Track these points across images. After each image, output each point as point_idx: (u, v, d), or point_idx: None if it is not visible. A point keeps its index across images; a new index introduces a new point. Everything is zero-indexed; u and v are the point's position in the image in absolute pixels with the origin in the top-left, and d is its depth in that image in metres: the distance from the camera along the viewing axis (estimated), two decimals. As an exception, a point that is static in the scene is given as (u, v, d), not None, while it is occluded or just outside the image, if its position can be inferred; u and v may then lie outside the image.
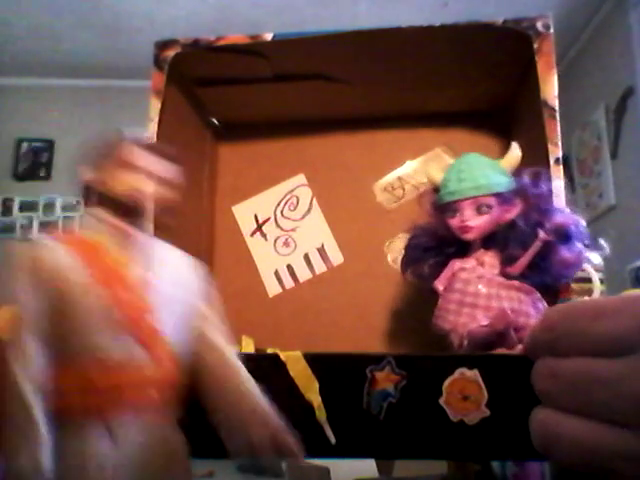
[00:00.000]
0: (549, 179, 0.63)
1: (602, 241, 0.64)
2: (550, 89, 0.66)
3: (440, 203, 0.65)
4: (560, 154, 0.65)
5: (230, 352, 0.47)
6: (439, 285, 0.64)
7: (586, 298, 0.72)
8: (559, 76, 0.67)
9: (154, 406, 0.42)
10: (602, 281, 0.77)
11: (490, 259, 0.63)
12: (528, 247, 0.61)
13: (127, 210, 0.44)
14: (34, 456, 0.36)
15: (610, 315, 0.26)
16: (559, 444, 0.27)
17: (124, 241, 0.44)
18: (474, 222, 0.62)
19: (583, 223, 0.62)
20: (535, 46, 0.67)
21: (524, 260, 0.61)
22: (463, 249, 0.65)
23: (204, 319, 0.47)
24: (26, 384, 0.37)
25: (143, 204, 0.44)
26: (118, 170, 0.44)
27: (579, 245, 0.61)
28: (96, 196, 0.44)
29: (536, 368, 0.30)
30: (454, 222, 0.63)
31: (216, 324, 0.48)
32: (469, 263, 0.63)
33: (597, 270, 0.75)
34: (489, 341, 0.58)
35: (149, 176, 0.45)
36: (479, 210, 0.62)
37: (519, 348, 0.57)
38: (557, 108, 0.66)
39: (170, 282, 0.45)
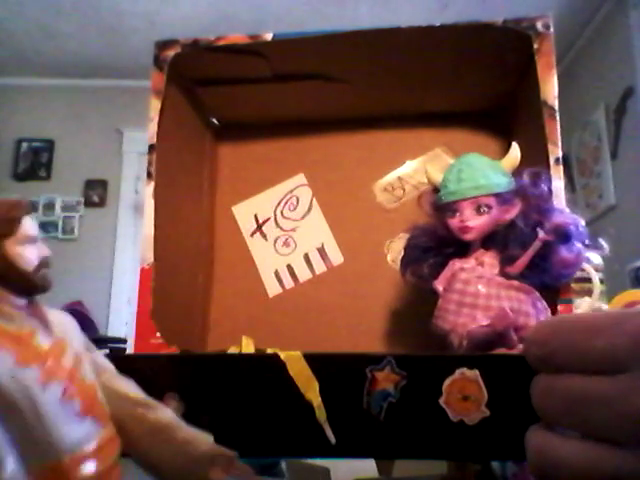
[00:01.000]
0: (549, 179, 0.63)
1: (602, 241, 0.64)
2: (550, 89, 0.66)
3: (440, 203, 0.65)
4: (560, 154, 0.65)
5: (139, 392, 0.45)
6: (438, 285, 0.64)
7: (580, 310, 0.72)
8: (559, 76, 0.67)
9: (114, 465, 0.41)
10: (602, 281, 0.77)
11: (490, 259, 0.63)
12: (528, 247, 0.61)
13: (29, 282, 0.41)
14: None
15: (604, 332, 0.25)
16: (557, 471, 0.27)
17: (29, 315, 0.41)
18: (474, 222, 0.62)
19: (583, 223, 0.62)
20: (535, 46, 0.67)
21: (524, 260, 0.61)
22: (463, 249, 0.65)
23: (102, 371, 0.45)
24: None
25: (48, 275, 0.42)
26: (19, 247, 0.41)
27: (579, 245, 0.61)
28: None
29: (533, 383, 0.30)
30: (454, 222, 0.63)
31: (110, 370, 0.46)
32: (469, 263, 0.64)
33: (597, 270, 0.75)
34: (489, 341, 0.58)
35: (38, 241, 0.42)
36: (479, 210, 0.62)
37: (519, 348, 0.57)
38: (557, 108, 0.66)
39: (74, 344, 0.44)
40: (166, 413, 0.45)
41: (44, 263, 0.42)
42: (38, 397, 0.37)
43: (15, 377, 0.36)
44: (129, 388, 0.45)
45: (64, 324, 0.44)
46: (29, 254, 0.41)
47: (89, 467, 0.39)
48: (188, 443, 0.44)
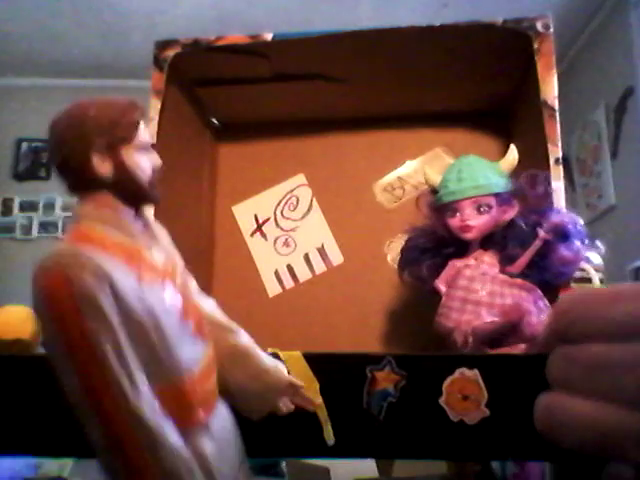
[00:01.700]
0: (547, 180, 0.63)
1: (598, 242, 0.64)
2: (550, 89, 0.66)
3: (439, 203, 0.65)
4: (560, 154, 0.65)
5: (222, 314, 0.46)
6: (440, 284, 0.64)
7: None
8: (559, 76, 0.67)
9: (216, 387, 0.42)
10: (602, 281, 0.77)
11: (489, 259, 0.63)
12: (527, 246, 0.61)
13: (144, 193, 0.39)
14: None
15: (624, 300, 0.26)
16: (566, 424, 0.27)
17: (141, 228, 0.40)
18: (475, 221, 0.62)
19: (580, 221, 0.62)
20: (535, 46, 0.67)
21: (524, 259, 0.61)
22: (461, 250, 0.65)
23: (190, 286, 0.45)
24: (154, 416, 0.34)
25: (158, 184, 0.40)
26: (137, 154, 0.38)
27: (577, 243, 0.61)
28: (104, 185, 0.37)
29: (551, 357, 0.30)
30: (454, 222, 0.63)
31: (195, 287, 0.45)
32: (471, 262, 0.64)
33: (597, 270, 0.75)
34: (495, 337, 0.58)
35: (153, 149, 0.40)
36: (479, 210, 0.62)
37: (522, 347, 0.57)
38: (557, 108, 0.66)
39: (178, 260, 0.44)
40: (245, 338, 0.45)
41: (157, 173, 0.40)
42: (161, 318, 0.36)
43: (142, 298, 0.35)
44: (213, 309, 0.45)
45: (167, 237, 0.43)
46: (145, 163, 0.39)
47: (204, 385, 0.39)
48: (265, 371, 0.45)
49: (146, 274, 0.37)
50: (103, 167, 0.37)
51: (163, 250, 0.41)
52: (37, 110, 3.17)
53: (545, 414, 0.29)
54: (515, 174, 0.64)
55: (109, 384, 0.33)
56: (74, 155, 0.36)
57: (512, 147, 0.66)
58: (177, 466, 0.34)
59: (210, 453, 0.38)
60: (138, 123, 0.38)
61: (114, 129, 0.37)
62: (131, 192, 0.38)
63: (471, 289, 0.61)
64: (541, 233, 0.60)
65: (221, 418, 0.42)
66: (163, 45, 0.74)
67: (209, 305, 0.46)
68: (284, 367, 0.46)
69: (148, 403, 0.34)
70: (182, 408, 0.37)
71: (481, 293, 0.61)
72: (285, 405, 0.46)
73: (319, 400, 0.47)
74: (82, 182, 0.37)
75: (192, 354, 0.39)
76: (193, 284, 0.45)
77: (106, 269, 0.34)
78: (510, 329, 0.57)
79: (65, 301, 0.32)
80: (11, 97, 3.17)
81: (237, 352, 0.45)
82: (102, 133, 0.37)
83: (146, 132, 0.39)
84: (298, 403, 0.46)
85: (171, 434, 0.35)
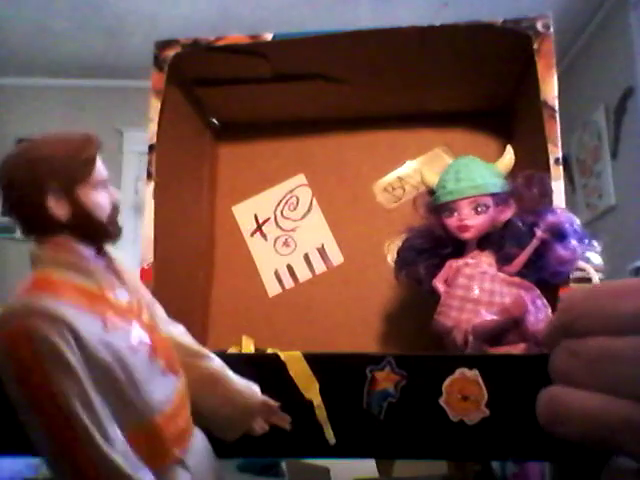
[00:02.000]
0: (544, 180, 0.63)
1: (596, 242, 0.64)
2: (550, 89, 0.66)
3: (437, 203, 0.65)
4: (560, 154, 0.65)
5: (191, 340, 0.46)
6: (438, 283, 0.64)
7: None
8: (559, 76, 0.67)
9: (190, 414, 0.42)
10: (602, 281, 0.77)
11: (486, 258, 0.64)
12: (523, 246, 0.61)
13: (105, 232, 0.38)
14: None
15: (628, 295, 0.26)
16: (568, 416, 0.28)
17: (104, 268, 0.39)
18: (472, 221, 0.62)
19: (577, 221, 0.62)
20: (535, 46, 0.67)
21: (521, 259, 0.61)
22: (458, 250, 0.65)
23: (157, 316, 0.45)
24: (119, 459, 0.33)
25: (118, 219, 0.39)
26: (94, 193, 0.37)
27: (574, 242, 0.61)
28: (62, 227, 0.36)
29: (555, 352, 0.30)
30: (452, 222, 0.63)
31: (164, 317, 0.46)
32: (470, 260, 0.64)
33: (597, 270, 0.75)
34: (495, 335, 0.58)
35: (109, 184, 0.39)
36: (477, 209, 0.62)
37: (522, 347, 0.57)
38: (557, 108, 0.66)
39: (146, 296, 0.44)
40: (216, 363, 0.45)
41: (116, 208, 0.39)
42: (129, 360, 0.36)
43: (107, 344, 0.35)
44: (182, 336, 0.46)
45: (131, 273, 0.43)
46: (103, 200, 0.38)
47: (177, 421, 0.39)
48: (236, 394, 0.45)
49: (111, 317, 0.36)
50: (59, 210, 0.36)
51: (128, 286, 0.40)
52: (37, 110, 3.18)
53: (548, 407, 0.29)
54: (513, 174, 0.64)
55: (80, 439, 0.32)
56: (28, 199, 0.35)
57: (509, 148, 0.66)
58: None
59: None
60: (94, 160, 0.37)
61: (69, 170, 0.36)
62: (90, 232, 0.37)
63: (471, 288, 0.61)
64: (538, 233, 0.60)
65: (197, 450, 0.42)
66: (163, 45, 0.74)
67: (179, 331, 0.46)
68: (257, 388, 0.46)
69: (122, 454, 0.34)
70: (156, 448, 0.37)
71: (481, 292, 0.61)
72: (259, 426, 0.46)
73: (318, 400, 0.47)
74: (38, 226, 0.36)
75: (163, 392, 0.38)
76: (161, 313, 0.45)
77: (68, 318, 0.33)
78: (512, 325, 0.57)
79: (28, 358, 0.32)
80: (11, 97, 3.17)
81: (208, 377, 0.45)
82: (56, 175, 0.36)
83: (103, 167, 0.38)
84: (274, 422, 0.46)
85: None
